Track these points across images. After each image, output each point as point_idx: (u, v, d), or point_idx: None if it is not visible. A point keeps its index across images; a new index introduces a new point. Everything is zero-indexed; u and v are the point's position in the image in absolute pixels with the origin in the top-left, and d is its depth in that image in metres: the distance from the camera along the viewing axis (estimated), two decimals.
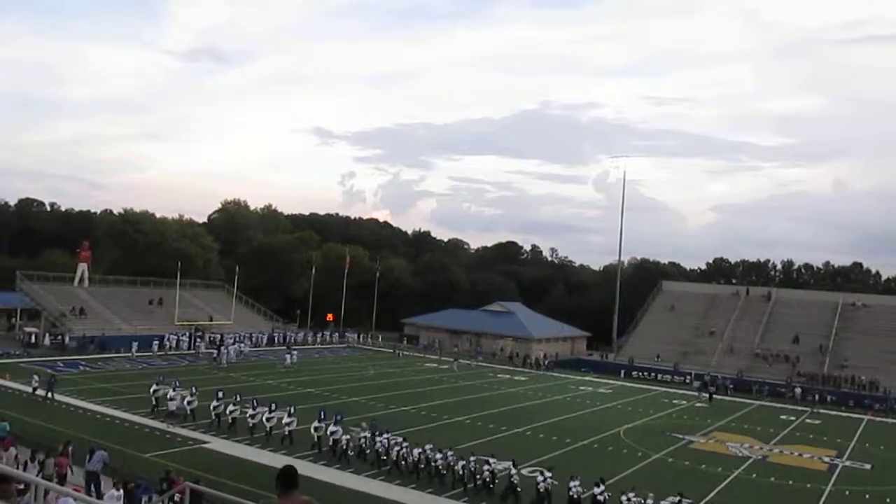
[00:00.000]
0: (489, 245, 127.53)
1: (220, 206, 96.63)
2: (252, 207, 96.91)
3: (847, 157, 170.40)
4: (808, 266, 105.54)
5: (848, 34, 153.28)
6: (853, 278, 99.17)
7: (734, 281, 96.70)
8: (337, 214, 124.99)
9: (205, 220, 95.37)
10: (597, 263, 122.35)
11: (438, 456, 24.74)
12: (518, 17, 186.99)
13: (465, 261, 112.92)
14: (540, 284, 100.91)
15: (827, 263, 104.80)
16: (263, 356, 56.90)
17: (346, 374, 50.85)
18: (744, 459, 32.74)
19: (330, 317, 77.86)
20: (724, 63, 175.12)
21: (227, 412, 30.10)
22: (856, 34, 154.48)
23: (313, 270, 76.63)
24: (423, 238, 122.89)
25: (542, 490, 22.68)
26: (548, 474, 23.06)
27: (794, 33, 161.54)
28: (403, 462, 25.31)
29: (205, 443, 27.86)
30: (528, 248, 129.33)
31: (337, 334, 74.19)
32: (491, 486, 23.58)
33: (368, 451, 26.48)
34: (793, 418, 46.25)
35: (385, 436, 26.41)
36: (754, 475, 29.91)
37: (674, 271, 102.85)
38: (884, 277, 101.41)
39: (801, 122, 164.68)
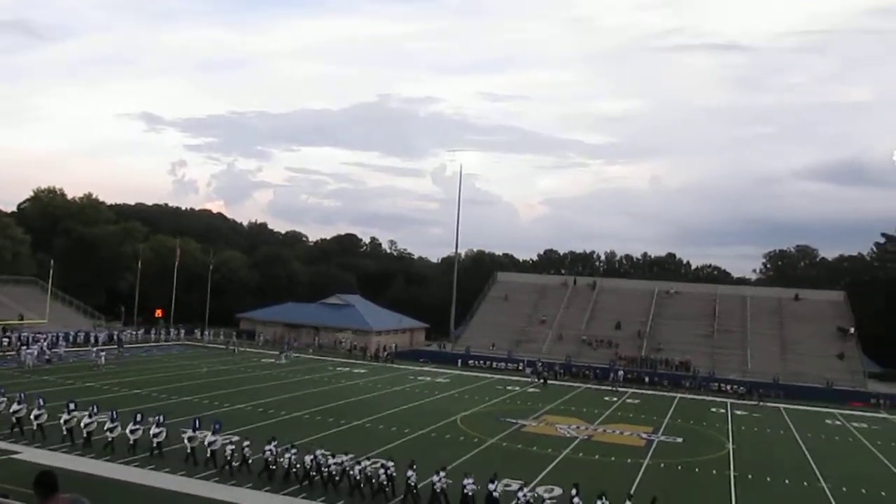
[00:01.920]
0: (328, 237, 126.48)
1: (32, 194, 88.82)
2: (70, 196, 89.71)
3: (662, 156, 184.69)
4: (628, 257, 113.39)
5: (664, 42, 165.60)
6: (667, 268, 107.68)
7: (563, 271, 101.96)
8: (166, 205, 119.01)
9: (14, 209, 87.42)
10: (435, 256, 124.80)
11: (332, 461, 23.54)
12: (359, 10, 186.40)
13: (303, 253, 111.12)
14: (379, 277, 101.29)
15: (645, 254, 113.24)
16: (84, 356, 52.85)
17: (177, 373, 48.46)
18: (571, 439, 34.62)
19: (159, 313, 73.85)
20: (556, 64, 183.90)
21: (83, 425, 26.94)
22: (671, 42, 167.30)
23: (139, 264, 72.31)
24: (259, 230, 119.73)
25: (437, 490, 22.19)
26: (442, 474, 22.48)
27: (619, 40, 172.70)
28: (294, 470, 23.84)
29: (15, 453, 25.47)
30: (367, 240, 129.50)
31: (184, 331, 70.57)
32: (387, 488, 22.71)
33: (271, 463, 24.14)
34: (615, 399, 49.52)
35: (273, 444, 24.44)
36: (581, 454, 31.71)
37: (508, 262, 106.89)
38: (693, 266, 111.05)
39: (623, 122, 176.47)
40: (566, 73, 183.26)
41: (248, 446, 24.83)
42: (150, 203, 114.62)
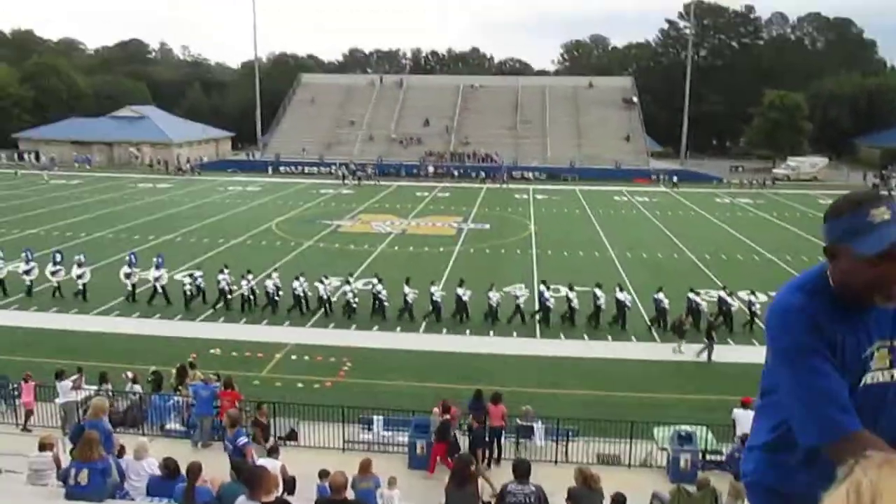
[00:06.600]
0: (110, 45, 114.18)
1: None
2: None
3: None
4: (434, 53, 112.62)
5: None
6: (472, 63, 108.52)
7: (369, 70, 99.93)
8: None
9: None
10: (234, 61, 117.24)
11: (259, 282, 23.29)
12: None
13: (84, 63, 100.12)
14: (174, 85, 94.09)
15: (450, 50, 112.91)
16: None
17: None
18: (386, 235, 35.83)
19: None
20: None
21: None
22: None
23: None
24: (25, 38, 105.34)
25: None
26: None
27: None
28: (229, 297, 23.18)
29: None
30: (156, 46, 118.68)
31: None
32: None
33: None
34: (426, 194, 51.18)
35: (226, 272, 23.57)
36: (396, 247, 33.03)
37: (312, 64, 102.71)
38: (496, 60, 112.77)
39: None
40: None
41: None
42: None
